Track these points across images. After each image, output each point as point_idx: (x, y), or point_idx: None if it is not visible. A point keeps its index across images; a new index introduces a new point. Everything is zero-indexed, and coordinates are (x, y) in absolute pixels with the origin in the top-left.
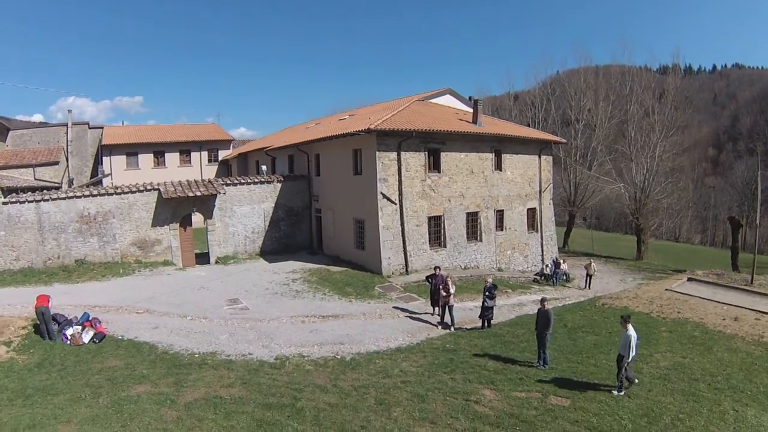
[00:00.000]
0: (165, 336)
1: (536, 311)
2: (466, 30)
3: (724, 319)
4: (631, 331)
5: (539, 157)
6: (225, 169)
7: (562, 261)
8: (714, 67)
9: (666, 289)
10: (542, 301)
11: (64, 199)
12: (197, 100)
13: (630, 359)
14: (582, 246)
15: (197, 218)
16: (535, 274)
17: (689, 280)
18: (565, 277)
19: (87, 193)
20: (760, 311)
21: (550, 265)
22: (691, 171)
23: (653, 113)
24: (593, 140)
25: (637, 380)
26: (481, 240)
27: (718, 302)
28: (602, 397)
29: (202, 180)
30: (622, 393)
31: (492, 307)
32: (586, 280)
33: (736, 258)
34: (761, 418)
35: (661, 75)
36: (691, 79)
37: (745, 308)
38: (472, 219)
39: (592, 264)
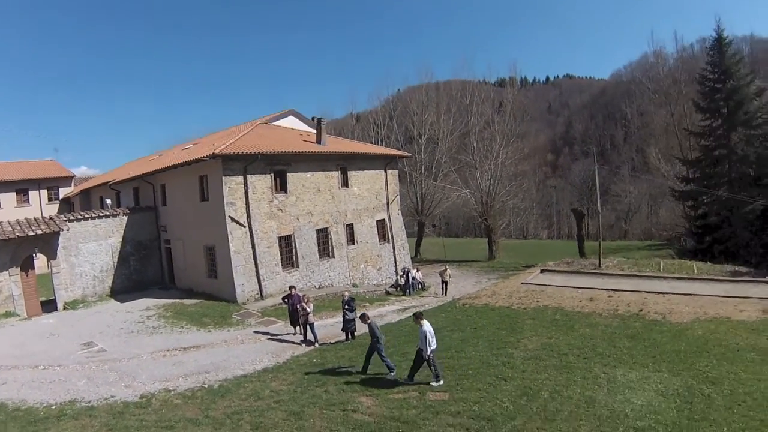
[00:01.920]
0: (15, 391)
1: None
2: (307, 51)
3: (580, 301)
4: (426, 326)
5: (385, 171)
6: (67, 207)
7: (415, 270)
8: (547, 78)
9: (522, 283)
10: (363, 316)
11: None
12: (33, 142)
13: (431, 351)
14: (434, 254)
15: (40, 262)
16: (390, 286)
17: (542, 271)
18: (420, 286)
19: None
20: (611, 289)
21: (402, 274)
22: (533, 175)
23: (493, 123)
24: (437, 153)
25: (442, 381)
26: (333, 256)
27: (573, 287)
28: (480, 385)
29: (42, 217)
30: (441, 382)
31: (353, 320)
32: (442, 287)
33: (583, 245)
34: (629, 375)
35: (499, 87)
36: (527, 90)
37: (598, 288)
38: (323, 235)
39: (447, 270)
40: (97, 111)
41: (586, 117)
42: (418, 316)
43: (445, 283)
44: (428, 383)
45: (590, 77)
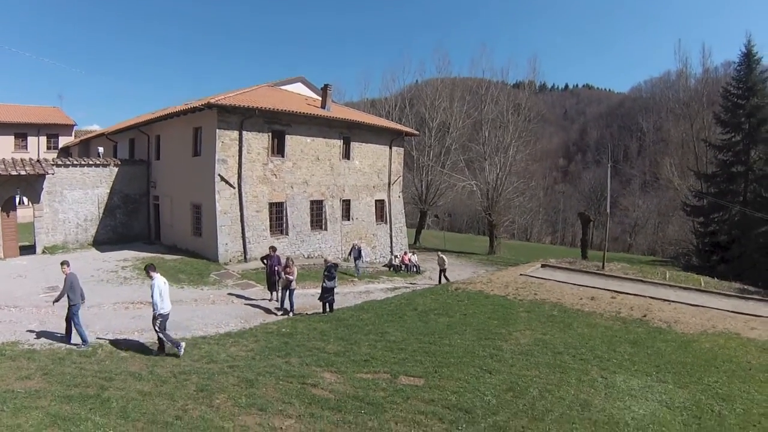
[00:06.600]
0: None
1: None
2: (327, 34)
3: (581, 299)
4: (156, 279)
5: (390, 147)
6: (65, 156)
7: (411, 253)
8: (566, 85)
9: (521, 274)
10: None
11: None
12: (51, 95)
13: (158, 313)
14: (433, 245)
15: (27, 212)
16: (384, 265)
17: (543, 266)
18: (415, 269)
19: None
20: (615, 291)
21: (396, 256)
22: (542, 178)
23: (507, 113)
24: (448, 139)
25: (182, 348)
26: (326, 229)
27: (574, 284)
28: (461, 375)
29: (30, 159)
30: (183, 345)
31: (332, 289)
32: (439, 276)
33: (586, 250)
34: (630, 382)
35: (515, 89)
36: (544, 95)
37: (600, 288)
38: (317, 207)
39: (441, 255)
40: (115, 70)
41: (602, 126)
42: (149, 269)
43: (442, 271)
44: (175, 355)
45: (609, 89)
